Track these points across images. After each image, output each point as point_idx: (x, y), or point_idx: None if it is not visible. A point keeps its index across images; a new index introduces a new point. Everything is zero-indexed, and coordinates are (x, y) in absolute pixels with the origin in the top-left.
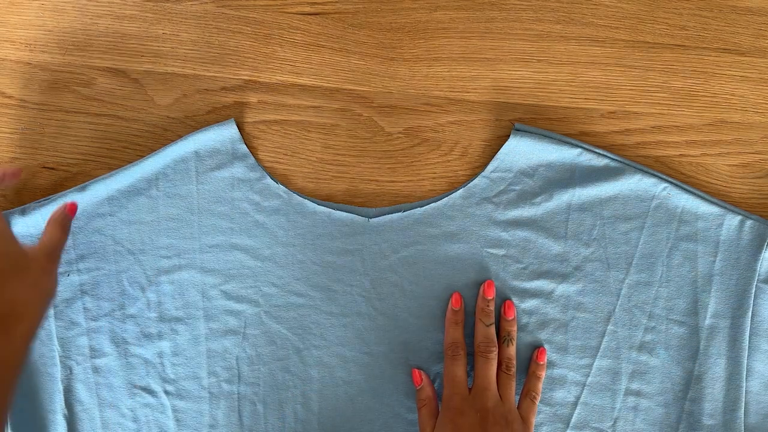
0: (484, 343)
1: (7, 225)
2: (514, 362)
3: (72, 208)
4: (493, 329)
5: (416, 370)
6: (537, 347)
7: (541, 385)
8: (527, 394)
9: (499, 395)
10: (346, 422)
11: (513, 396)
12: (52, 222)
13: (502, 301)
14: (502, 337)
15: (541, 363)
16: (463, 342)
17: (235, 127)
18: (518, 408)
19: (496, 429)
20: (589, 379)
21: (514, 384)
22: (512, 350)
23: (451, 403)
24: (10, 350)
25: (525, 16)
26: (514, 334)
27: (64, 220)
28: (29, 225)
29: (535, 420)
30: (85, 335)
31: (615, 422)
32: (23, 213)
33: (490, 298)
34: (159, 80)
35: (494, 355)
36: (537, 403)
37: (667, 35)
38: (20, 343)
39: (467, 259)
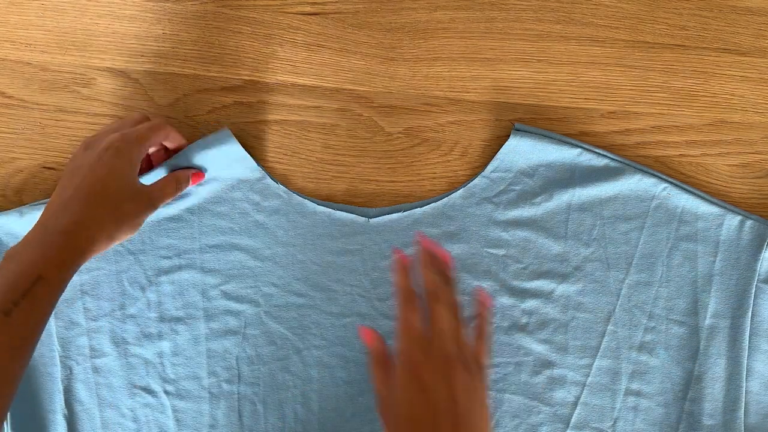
0: (432, 288)
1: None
2: (461, 304)
3: (197, 179)
4: (438, 276)
5: (365, 328)
6: (477, 287)
7: (487, 325)
8: (477, 335)
9: (454, 339)
10: (346, 422)
11: (468, 339)
12: (172, 177)
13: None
14: (445, 280)
15: (482, 301)
16: (413, 291)
17: (231, 135)
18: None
19: (461, 377)
20: (589, 379)
21: (465, 325)
22: (457, 292)
23: (410, 356)
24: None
25: (525, 16)
26: (454, 275)
27: (182, 183)
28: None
29: (487, 359)
30: (85, 335)
31: (615, 422)
32: (21, 215)
33: (428, 247)
34: (159, 80)
35: (445, 299)
36: (487, 343)
37: (667, 35)
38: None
39: (467, 259)
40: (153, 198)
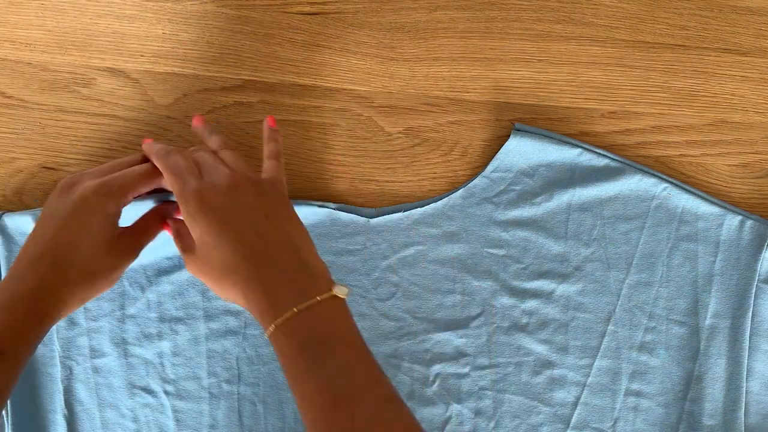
0: (190, 150)
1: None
2: (226, 145)
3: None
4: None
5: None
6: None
7: (280, 147)
8: (269, 156)
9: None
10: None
11: (241, 164)
12: (156, 214)
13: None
14: (203, 135)
15: (274, 127)
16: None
17: None
18: (264, 172)
19: (247, 187)
20: (590, 379)
21: (237, 156)
22: (218, 138)
23: (187, 190)
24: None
25: (525, 16)
26: (210, 127)
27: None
28: (26, 228)
29: (284, 178)
30: (85, 335)
31: (615, 422)
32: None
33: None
34: (159, 80)
35: (202, 148)
36: (282, 162)
37: (667, 35)
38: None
39: (467, 259)
40: (134, 245)
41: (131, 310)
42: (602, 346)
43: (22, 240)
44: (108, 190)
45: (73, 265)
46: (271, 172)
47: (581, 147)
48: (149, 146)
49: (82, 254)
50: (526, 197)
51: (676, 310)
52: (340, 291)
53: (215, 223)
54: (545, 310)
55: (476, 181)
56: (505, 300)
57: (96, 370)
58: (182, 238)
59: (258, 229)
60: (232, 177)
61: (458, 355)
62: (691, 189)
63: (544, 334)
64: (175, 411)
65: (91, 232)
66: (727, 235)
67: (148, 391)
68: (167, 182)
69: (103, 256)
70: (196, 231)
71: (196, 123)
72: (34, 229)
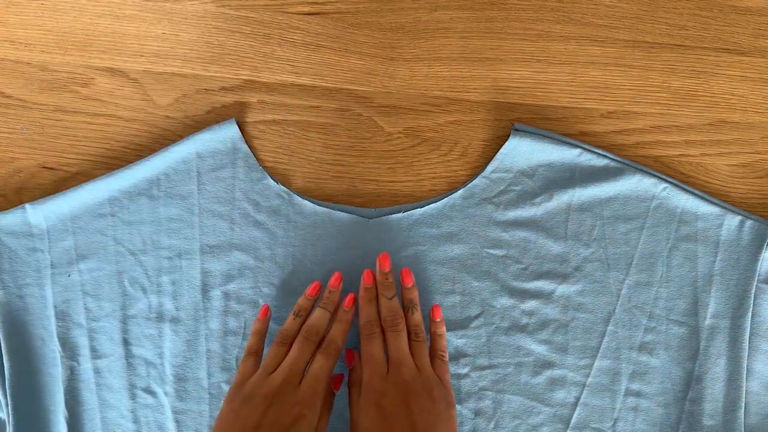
0: (390, 317)
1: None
2: (422, 328)
3: (337, 383)
4: (396, 301)
5: (350, 350)
6: (432, 306)
7: (445, 343)
8: (435, 354)
9: (415, 364)
10: (346, 423)
11: (427, 361)
12: (314, 381)
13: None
14: (405, 306)
15: (438, 320)
16: (378, 319)
17: (236, 126)
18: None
19: (418, 401)
20: (589, 379)
21: (426, 350)
22: (417, 316)
23: (372, 385)
24: None
25: (525, 16)
26: (416, 300)
27: (327, 381)
28: (23, 224)
29: (450, 377)
30: (86, 336)
31: (615, 423)
32: (24, 210)
33: (387, 270)
34: (159, 80)
35: (402, 326)
36: (446, 360)
37: (667, 35)
38: None
39: (467, 260)
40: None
41: (132, 311)
42: (602, 347)
43: (8, 240)
44: (320, 393)
45: None
46: (439, 371)
47: (581, 147)
48: (366, 294)
49: None
50: (526, 197)
51: (676, 310)
52: None
53: (378, 429)
54: (545, 310)
55: (476, 181)
56: (505, 300)
57: (97, 370)
58: (356, 400)
59: None
60: (406, 389)
61: (458, 355)
62: (691, 189)
63: (543, 334)
64: (175, 412)
65: None
66: (727, 235)
67: (148, 391)
68: (362, 359)
69: None
70: (362, 417)
71: (406, 280)
72: None
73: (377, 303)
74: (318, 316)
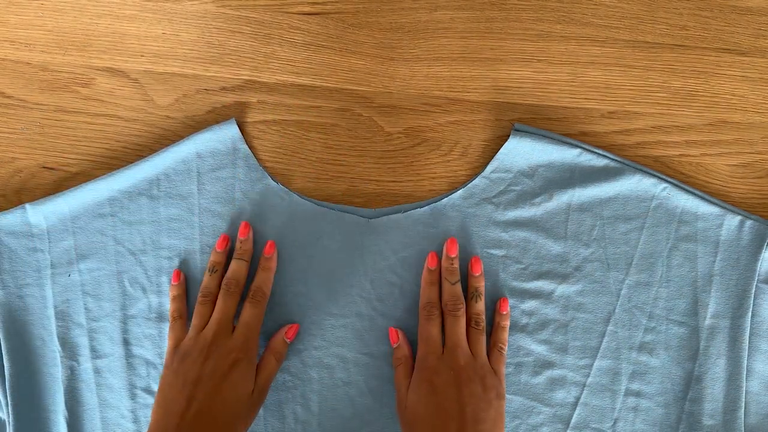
0: (451, 301)
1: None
2: (483, 317)
3: (292, 333)
4: (459, 287)
5: (393, 329)
6: (500, 298)
7: (506, 335)
8: (494, 345)
9: (471, 351)
10: (345, 423)
11: (484, 350)
12: (271, 353)
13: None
14: (470, 293)
15: (504, 313)
16: (438, 302)
17: (236, 126)
18: (488, 360)
19: (469, 385)
20: (589, 379)
21: (484, 339)
22: (480, 305)
23: (426, 363)
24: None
25: (525, 16)
26: (482, 289)
27: (282, 352)
28: (24, 224)
29: (505, 370)
30: (86, 336)
31: (615, 423)
32: (24, 210)
33: (453, 256)
34: (159, 80)
35: (462, 312)
36: (505, 353)
37: (667, 35)
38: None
39: (467, 260)
40: (263, 393)
41: (132, 311)
42: (602, 347)
43: (8, 240)
44: (255, 341)
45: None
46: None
47: (581, 147)
48: (429, 278)
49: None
50: (526, 197)
51: (676, 310)
52: None
53: (427, 404)
54: (545, 310)
55: (476, 181)
56: None
57: (97, 370)
58: (404, 376)
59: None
60: (459, 372)
61: None
62: (691, 189)
63: (543, 334)
64: None
65: (239, 394)
66: (727, 235)
67: (148, 391)
68: (418, 331)
69: (241, 419)
70: (412, 392)
71: (475, 268)
72: (161, 396)
73: (439, 287)
74: (235, 267)
